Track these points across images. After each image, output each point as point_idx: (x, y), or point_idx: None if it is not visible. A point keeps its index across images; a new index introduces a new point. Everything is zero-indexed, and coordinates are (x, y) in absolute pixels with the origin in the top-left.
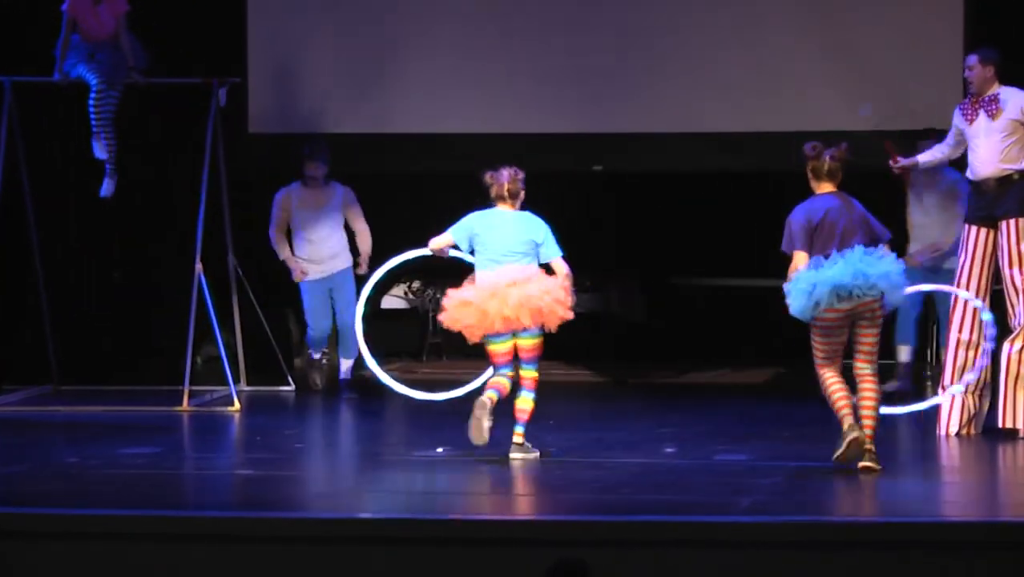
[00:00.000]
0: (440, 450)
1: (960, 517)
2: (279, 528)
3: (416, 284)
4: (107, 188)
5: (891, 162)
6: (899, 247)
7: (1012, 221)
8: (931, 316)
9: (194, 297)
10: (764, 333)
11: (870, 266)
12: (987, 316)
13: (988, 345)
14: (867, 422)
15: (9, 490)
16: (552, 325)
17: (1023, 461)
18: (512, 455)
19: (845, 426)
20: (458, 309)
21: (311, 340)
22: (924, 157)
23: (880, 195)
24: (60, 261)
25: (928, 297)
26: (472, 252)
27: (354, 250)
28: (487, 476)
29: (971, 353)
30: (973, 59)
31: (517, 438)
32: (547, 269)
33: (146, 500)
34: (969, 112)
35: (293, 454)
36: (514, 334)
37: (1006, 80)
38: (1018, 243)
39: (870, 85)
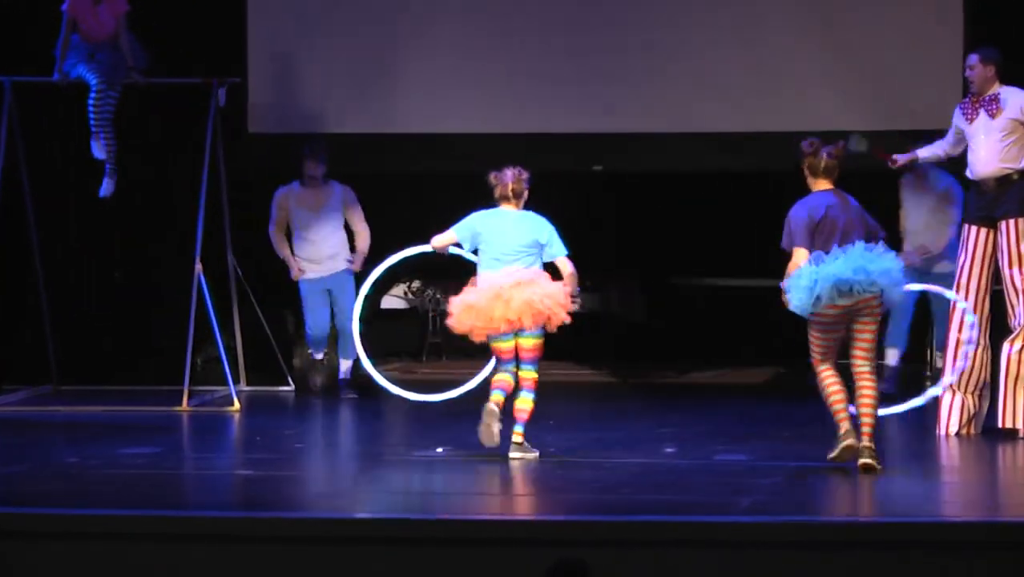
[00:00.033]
0: (440, 450)
1: (960, 517)
2: (279, 528)
3: (416, 284)
4: (106, 188)
5: (888, 162)
6: (892, 249)
7: (1012, 221)
8: (928, 319)
9: (194, 297)
10: (764, 333)
11: (871, 262)
12: (970, 318)
13: (968, 348)
14: (866, 420)
15: (9, 490)
16: (552, 327)
17: (1023, 461)
18: (512, 455)
19: (841, 431)
20: (464, 313)
21: (310, 339)
22: (924, 152)
23: (878, 195)
24: (60, 261)
25: (924, 300)
26: (475, 251)
27: (353, 250)
28: (487, 476)
29: (971, 353)
30: (974, 58)
31: (517, 438)
32: (552, 268)
33: (146, 500)
34: (969, 111)
35: (293, 454)
36: (516, 333)
37: (1006, 80)
38: (1018, 243)
39: (870, 85)
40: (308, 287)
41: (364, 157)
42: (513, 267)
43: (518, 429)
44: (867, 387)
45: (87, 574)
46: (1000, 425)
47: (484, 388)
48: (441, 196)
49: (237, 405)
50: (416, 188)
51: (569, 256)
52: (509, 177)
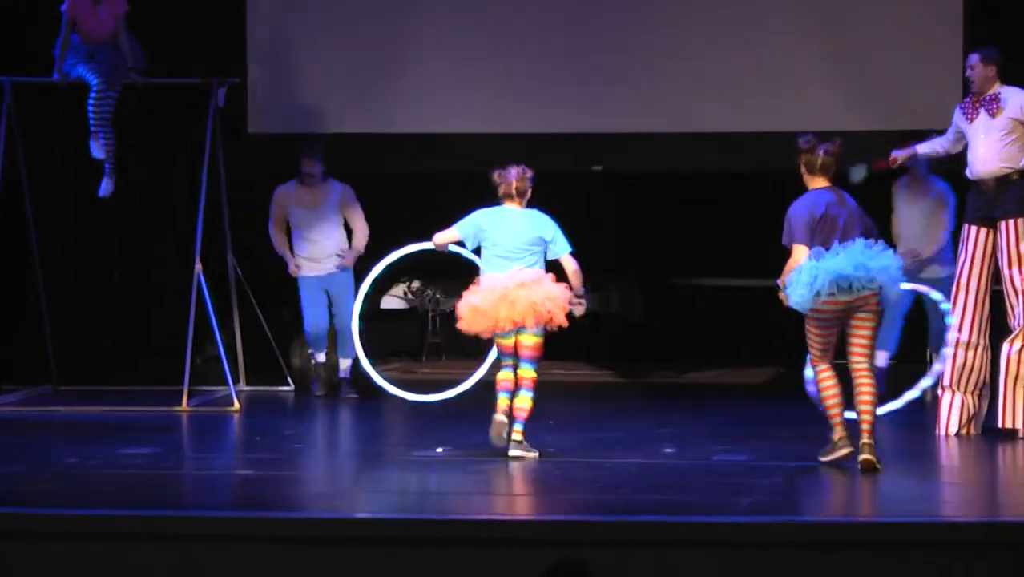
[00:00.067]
0: (440, 450)
1: (960, 517)
2: (279, 528)
3: (416, 284)
4: (105, 188)
5: (890, 163)
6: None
7: (1011, 221)
8: (926, 321)
9: (193, 297)
10: (764, 333)
11: (871, 259)
12: (951, 320)
13: (938, 366)
14: (865, 417)
15: (9, 490)
16: (552, 326)
17: (1023, 461)
18: (512, 452)
19: (835, 437)
20: (471, 315)
21: (309, 337)
22: (923, 148)
23: (868, 196)
24: (60, 261)
25: (919, 303)
26: (477, 249)
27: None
28: (487, 476)
29: (971, 353)
30: (975, 58)
31: (516, 436)
32: (554, 268)
33: (146, 500)
34: (970, 111)
35: (292, 454)
36: (517, 331)
37: (1006, 80)
38: (1017, 243)
39: (870, 85)
40: (306, 285)
41: (364, 157)
42: (517, 266)
43: (518, 427)
44: (865, 384)
45: (87, 574)
46: (1000, 425)
47: (482, 389)
48: (441, 196)
49: (237, 405)
50: (416, 188)
51: (573, 253)
52: (513, 175)
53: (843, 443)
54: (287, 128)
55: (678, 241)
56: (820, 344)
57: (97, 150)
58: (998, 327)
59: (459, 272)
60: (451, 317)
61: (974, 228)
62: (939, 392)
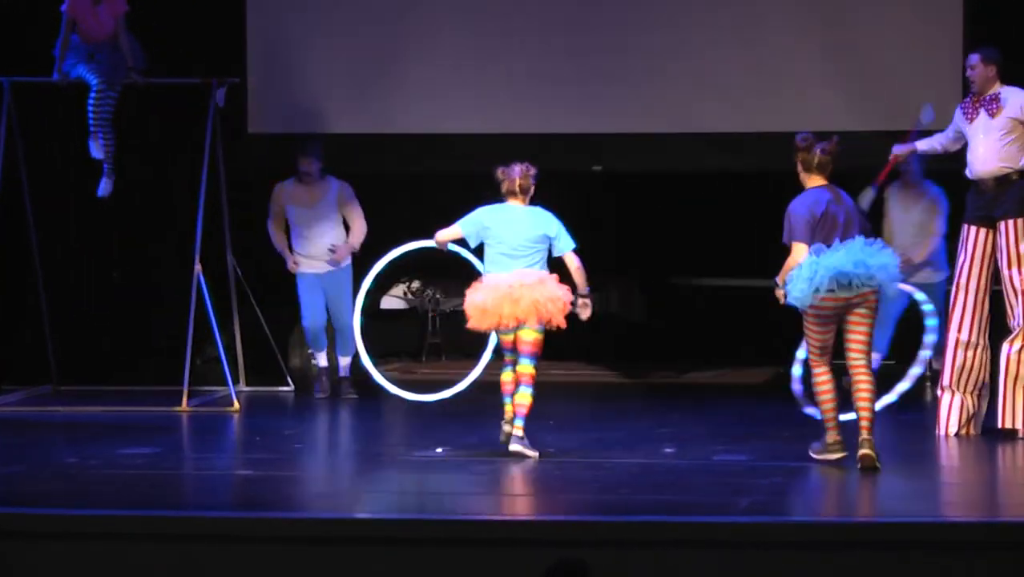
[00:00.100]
0: (440, 450)
1: (960, 517)
2: (279, 528)
3: (416, 284)
4: (105, 188)
5: (890, 159)
6: None
7: (1011, 221)
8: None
9: (193, 297)
10: (764, 333)
11: (870, 256)
12: (932, 322)
13: (925, 353)
14: (864, 413)
15: (9, 490)
16: (552, 325)
17: (1023, 461)
18: (512, 447)
19: (829, 440)
20: (480, 315)
21: (307, 334)
22: (922, 145)
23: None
24: (60, 261)
25: (914, 307)
26: (479, 247)
27: None
28: (487, 476)
29: (970, 353)
30: (975, 58)
31: (517, 431)
32: (556, 268)
33: (146, 500)
34: (970, 111)
35: (292, 454)
36: (517, 327)
37: (1006, 80)
38: (1017, 243)
39: (870, 85)
40: (305, 281)
41: (364, 157)
42: (521, 263)
43: (518, 423)
44: (863, 381)
45: (87, 574)
46: (1000, 425)
47: (480, 389)
48: (441, 196)
49: (237, 405)
50: (416, 188)
51: (576, 250)
52: (517, 172)
53: (836, 447)
54: (287, 128)
55: (678, 241)
56: (819, 342)
57: (96, 150)
58: (998, 327)
59: (459, 272)
60: (451, 317)
61: (973, 228)
62: (939, 392)
